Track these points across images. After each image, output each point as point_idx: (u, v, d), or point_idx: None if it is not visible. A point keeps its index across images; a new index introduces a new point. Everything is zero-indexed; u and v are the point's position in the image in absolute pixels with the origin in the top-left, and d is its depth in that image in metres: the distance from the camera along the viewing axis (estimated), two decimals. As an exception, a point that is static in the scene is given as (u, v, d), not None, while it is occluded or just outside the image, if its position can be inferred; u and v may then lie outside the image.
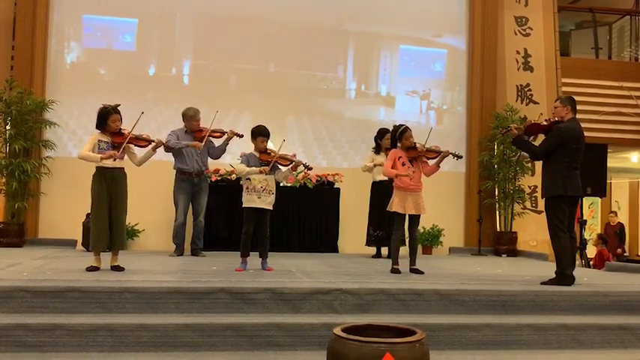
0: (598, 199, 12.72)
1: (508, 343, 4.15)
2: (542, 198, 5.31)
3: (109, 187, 5.05)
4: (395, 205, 5.58)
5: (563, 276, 5.00)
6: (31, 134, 7.55)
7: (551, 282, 5.01)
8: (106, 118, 5.08)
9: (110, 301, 4.08)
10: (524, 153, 5.54)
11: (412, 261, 5.68)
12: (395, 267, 5.59)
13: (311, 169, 5.79)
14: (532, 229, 8.75)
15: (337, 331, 2.67)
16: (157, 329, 3.81)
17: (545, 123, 5.21)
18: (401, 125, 5.77)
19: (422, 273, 5.52)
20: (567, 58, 10.90)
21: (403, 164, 5.60)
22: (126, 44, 8.39)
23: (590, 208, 13.16)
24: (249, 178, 5.39)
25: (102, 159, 4.97)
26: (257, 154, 5.49)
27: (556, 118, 5.18)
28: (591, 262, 9.69)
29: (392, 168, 5.60)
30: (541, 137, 5.33)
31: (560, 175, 5.02)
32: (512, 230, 8.53)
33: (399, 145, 5.70)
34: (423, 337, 2.63)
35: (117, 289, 4.13)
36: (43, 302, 4.01)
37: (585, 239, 8.66)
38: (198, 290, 4.21)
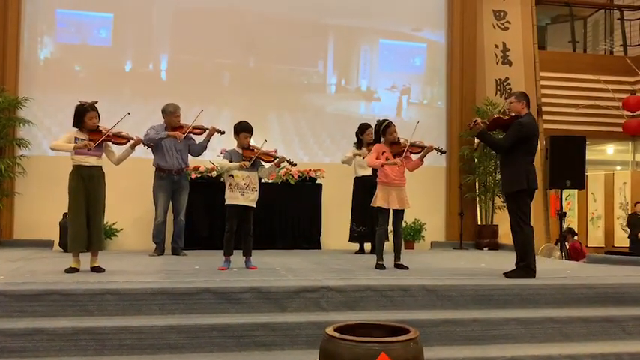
0: (575, 192, 12.85)
1: (495, 337, 4.13)
2: (504, 193, 5.49)
3: (87, 186, 4.92)
4: (379, 200, 5.55)
5: (528, 270, 5.01)
6: (4, 133, 7.38)
7: (514, 274, 5.00)
8: (83, 115, 4.96)
9: (92, 303, 3.97)
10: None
11: (397, 256, 5.66)
12: (380, 263, 5.56)
13: (295, 165, 5.70)
14: (513, 222, 8.79)
15: (330, 330, 2.61)
16: (141, 331, 3.72)
17: (506, 118, 5.31)
18: (385, 120, 5.73)
19: (407, 268, 5.50)
20: (544, 52, 11.00)
21: (387, 160, 5.56)
22: (101, 40, 8.22)
23: (567, 200, 13.30)
24: (231, 175, 5.29)
25: (75, 148, 4.86)
26: (240, 151, 5.40)
27: (513, 114, 5.27)
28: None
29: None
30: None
31: (523, 170, 5.09)
32: (494, 224, 8.57)
33: (382, 140, 5.67)
34: (416, 335, 2.60)
35: (98, 291, 4.02)
36: (22, 306, 3.89)
37: (564, 232, 8.74)
38: (182, 291, 4.12)
